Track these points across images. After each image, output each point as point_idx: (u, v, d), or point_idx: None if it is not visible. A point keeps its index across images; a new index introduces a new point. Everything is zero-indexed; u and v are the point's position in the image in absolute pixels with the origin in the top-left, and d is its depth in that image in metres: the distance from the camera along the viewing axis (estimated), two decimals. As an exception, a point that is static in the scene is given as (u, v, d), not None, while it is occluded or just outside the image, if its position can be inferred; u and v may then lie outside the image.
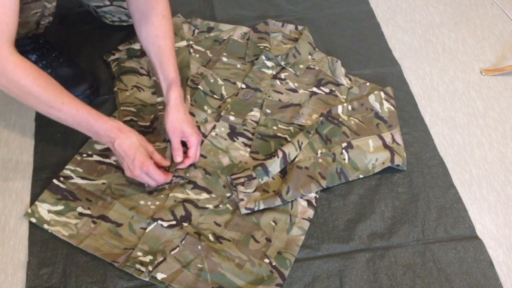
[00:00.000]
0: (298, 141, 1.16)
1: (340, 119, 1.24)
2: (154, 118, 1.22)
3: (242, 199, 1.09)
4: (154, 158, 1.07)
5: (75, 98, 1.03)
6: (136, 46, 1.36)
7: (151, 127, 1.21)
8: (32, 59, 1.24)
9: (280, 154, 1.14)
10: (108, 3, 1.33)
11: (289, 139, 1.21)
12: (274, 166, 1.13)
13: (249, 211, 1.08)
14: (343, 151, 1.18)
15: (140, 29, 1.17)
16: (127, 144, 1.03)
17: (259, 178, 1.11)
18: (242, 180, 1.10)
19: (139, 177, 1.05)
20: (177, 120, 1.11)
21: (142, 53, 1.35)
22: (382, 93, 1.30)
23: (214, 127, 1.22)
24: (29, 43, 1.22)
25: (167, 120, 1.11)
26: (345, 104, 1.26)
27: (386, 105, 1.28)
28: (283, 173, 1.15)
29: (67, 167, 1.15)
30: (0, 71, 0.95)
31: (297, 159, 1.15)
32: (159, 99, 1.26)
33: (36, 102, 0.99)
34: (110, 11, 1.36)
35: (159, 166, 1.07)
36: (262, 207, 1.08)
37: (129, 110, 1.23)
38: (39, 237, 1.06)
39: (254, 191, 1.10)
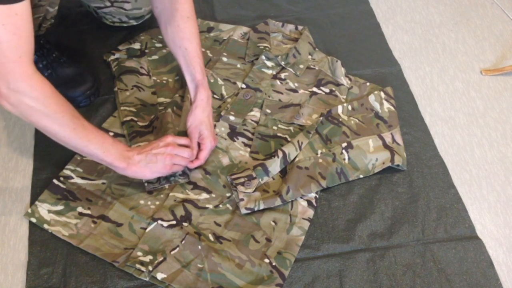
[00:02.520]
0: (298, 141, 1.16)
1: (340, 119, 1.24)
2: (154, 118, 1.22)
3: (242, 199, 1.09)
4: (178, 142, 1.09)
5: (90, 123, 1.01)
6: (136, 46, 1.37)
7: (151, 127, 1.21)
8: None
9: (280, 154, 1.14)
10: (108, 4, 1.33)
11: (289, 139, 1.21)
12: (274, 166, 1.13)
13: (249, 211, 1.08)
14: (343, 151, 1.18)
15: (166, 31, 1.18)
16: (143, 160, 1.04)
17: (259, 178, 1.11)
18: (242, 180, 1.10)
19: (176, 162, 1.07)
20: (199, 121, 1.14)
21: (142, 53, 1.35)
22: (382, 93, 1.30)
23: (214, 127, 1.22)
24: None
25: (190, 118, 1.15)
26: (345, 104, 1.26)
27: (386, 105, 1.28)
28: (283, 173, 1.15)
29: (67, 167, 1.15)
30: (25, 88, 0.91)
31: (297, 159, 1.15)
32: (159, 99, 1.26)
33: (58, 123, 0.95)
34: (111, 12, 1.36)
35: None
36: (262, 207, 1.08)
37: (129, 110, 1.23)
38: (39, 237, 1.06)
39: (254, 191, 1.10)
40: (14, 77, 0.89)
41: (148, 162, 1.04)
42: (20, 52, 0.90)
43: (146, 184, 1.10)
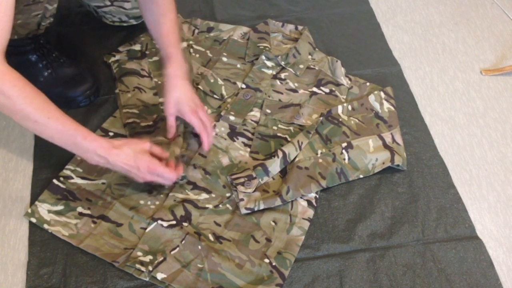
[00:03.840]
0: (298, 141, 1.16)
1: (340, 119, 1.24)
2: (159, 118, 1.21)
3: (242, 199, 1.09)
4: (153, 152, 1.04)
5: (64, 114, 0.97)
6: (137, 47, 1.36)
7: (154, 127, 1.20)
8: (32, 60, 1.24)
9: (280, 154, 1.14)
10: (108, 3, 1.33)
11: (289, 139, 1.21)
12: (274, 166, 1.13)
13: (249, 211, 1.08)
14: (343, 151, 1.18)
15: (146, 13, 1.17)
16: (123, 157, 0.99)
17: (259, 178, 1.11)
18: (242, 180, 1.10)
19: (153, 180, 1.03)
20: (172, 99, 1.10)
21: (143, 55, 1.35)
22: (382, 93, 1.30)
23: (214, 127, 1.22)
24: (29, 44, 1.22)
25: (164, 99, 1.11)
26: (345, 104, 1.26)
27: (386, 105, 1.28)
28: (283, 173, 1.15)
29: (67, 167, 1.15)
30: None
31: (297, 159, 1.15)
32: (161, 100, 1.25)
33: (21, 115, 0.94)
34: (111, 12, 1.36)
35: (166, 164, 1.06)
36: (262, 207, 1.08)
37: (131, 112, 1.23)
38: (39, 237, 1.06)
39: (254, 191, 1.10)
40: None
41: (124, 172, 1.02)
42: None
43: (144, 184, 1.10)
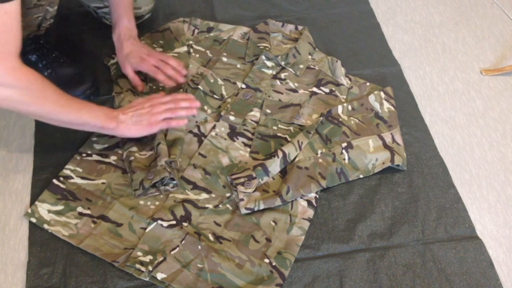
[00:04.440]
0: (298, 141, 1.16)
1: (340, 119, 1.24)
2: None
3: (242, 199, 1.08)
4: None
5: (71, 98, 1.05)
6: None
7: None
8: (32, 60, 1.24)
9: (280, 154, 1.14)
10: (107, 3, 1.33)
11: (289, 139, 1.21)
12: (274, 166, 1.13)
13: (249, 211, 1.08)
14: (343, 151, 1.18)
15: None
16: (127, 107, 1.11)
17: (259, 178, 1.11)
18: (242, 180, 1.10)
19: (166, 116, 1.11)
20: (122, 58, 1.23)
21: None
22: (382, 93, 1.30)
23: (214, 127, 1.22)
24: (29, 44, 1.22)
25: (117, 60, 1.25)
26: (345, 104, 1.26)
27: (386, 105, 1.28)
28: (283, 173, 1.15)
29: (66, 167, 1.15)
30: (10, 82, 0.94)
31: (297, 159, 1.15)
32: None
33: (44, 110, 1.01)
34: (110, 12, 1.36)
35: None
36: (262, 207, 1.08)
37: None
38: (39, 237, 1.06)
39: (254, 191, 1.10)
40: (1, 71, 0.93)
41: (134, 123, 1.09)
42: (6, 49, 0.94)
43: (133, 192, 1.10)
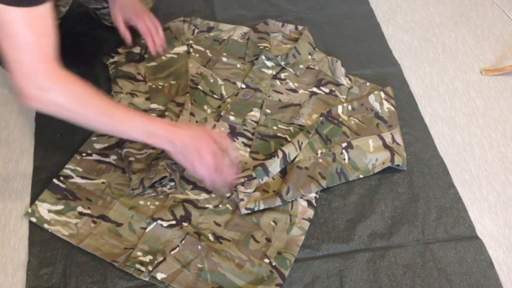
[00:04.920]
0: (298, 141, 1.16)
1: (340, 119, 1.24)
2: None
3: (242, 199, 1.08)
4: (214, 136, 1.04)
5: (119, 105, 1.05)
6: (136, 50, 1.36)
7: None
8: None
9: (280, 154, 1.14)
10: (106, 5, 1.33)
11: (289, 139, 1.21)
12: (274, 166, 1.13)
13: (249, 211, 1.08)
14: (343, 151, 1.18)
15: None
16: (184, 133, 1.00)
17: (259, 178, 1.11)
18: (242, 180, 1.10)
19: (203, 169, 1.00)
20: (116, 7, 1.23)
21: (141, 58, 1.34)
22: (382, 93, 1.30)
23: (214, 127, 1.22)
24: None
25: (110, 10, 1.22)
26: (345, 104, 1.26)
27: (386, 105, 1.28)
28: (283, 173, 1.15)
29: (67, 166, 1.15)
30: (52, 87, 0.93)
31: (297, 159, 1.15)
32: (152, 105, 1.24)
33: (88, 114, 0.96)
34: (109, 13, 1.36)
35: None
36: (262, 207, 1.08)
37: None
38: (39, 237, 1.06)
39: (254, 191, 1.10)
40: (42, 77, 0.91)
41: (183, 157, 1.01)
42: (46, 52, 0.92)
43: (131, 191, 1.10)
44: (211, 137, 1.02)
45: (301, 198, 1.12)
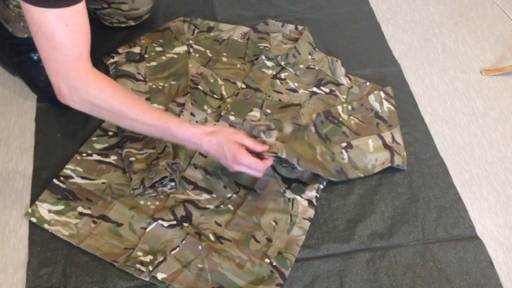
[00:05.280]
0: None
1: (340, 119, 1.24)
2: None
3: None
4: (246, 145, 1.02)
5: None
6: (136, 50, 1.36)
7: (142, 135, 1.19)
8: (34, 58, 1.24)
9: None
10: (106, 5, 1.33)
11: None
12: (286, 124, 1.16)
13: (273, 155, 1.04)
14: (343, 150, 1.17)
15: None
16: (214, 144, 1.01)
17: (277, 130, 1.08)
18: (263, 128, 1.07)
19: (241, 170, 1.02)
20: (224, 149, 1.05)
21: (141, 58, 1.34)
22: (382, 93, 1.30)
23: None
24: (33, 43, 1.22)
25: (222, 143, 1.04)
26: (345, 105, 1.26)
27: (386, 104, 1.28)
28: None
29: (67, 166, 1.14)
30: (83, 86, 0.94)
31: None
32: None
33: (119, 115, 0.99)
34: (109, 13, 1.36)
35: (258, 157, 1.03)
36: (284, 156, 1.04)
37: None
38: (39, 237, 1.06)
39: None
40: (74, 74, 0.93)
41: (215, 153, 1.03)
42: (81, 49, 0.93)
43: (131, 191, 1.10)
44: (236, 142, 1.01)
45: (301, 197, 1.12)
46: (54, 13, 0.88)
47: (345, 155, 1.17)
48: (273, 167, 1.15)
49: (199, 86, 1.29)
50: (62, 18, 0.89)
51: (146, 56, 1.35)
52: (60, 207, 1.08)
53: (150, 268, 1.00)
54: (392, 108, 1.28)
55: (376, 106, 1.28)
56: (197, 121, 1.23)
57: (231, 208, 1.10)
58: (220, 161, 1.04)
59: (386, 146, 1.20)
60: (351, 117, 1.25)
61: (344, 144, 1.18)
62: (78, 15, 0.91)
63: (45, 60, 0.94)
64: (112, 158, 1.16)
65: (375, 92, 1.30)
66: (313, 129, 1.19)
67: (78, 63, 0.94)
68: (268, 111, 1.26)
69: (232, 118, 1.24)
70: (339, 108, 1.25)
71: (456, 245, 1.09)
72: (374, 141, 1.20)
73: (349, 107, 1.26)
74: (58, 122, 1.25)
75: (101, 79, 0.97)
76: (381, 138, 1.21)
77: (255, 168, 1.02)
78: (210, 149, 1.02)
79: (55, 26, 0.89)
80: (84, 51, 0.95)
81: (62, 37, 0.91)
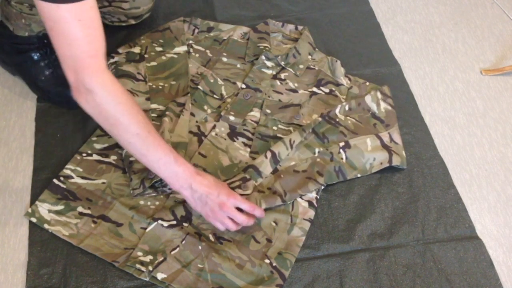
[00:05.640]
0: (290, 140, 1.16)
1: (337, 119, 1.23)
2: None
3: None
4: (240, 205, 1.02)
5: (157, 132, 0.99)
6: (136, 50, 1.36)
7: None
8: (34, 58, 1.24)
9: (269, 154, 1.14)
10: (106, 4, 1.33)
11: (289, 139, 1.21)
12: (265, 166, 1.13)
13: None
14: (341, 150, 1.18)
15: None
16: (206, 183, 1.00)
17: (253, 179, 1.11)
18: (237, 183, 1.10)
19: (219, 219, 1.00)
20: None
21: (141, 58, 1.34)
22: (378, 93, 1.30)
23: (214, 127, 1.22)
24: (34, 42, 1.23)
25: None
26: (343, 104, 1.26)
27: (383, 105, 1.28)
28: (275, 172, 1.15)
29: (67, 166, 1.14)
30: (98, 84, 0.92)
31: (293, 163, 1.15)
32: (152, 105, 1.24)
33: (124, 127, 0.96)
34: (109, 12, 1.36)
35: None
36: (264, 206, 1.08)
37: None
38: (39, 237, 1.06)
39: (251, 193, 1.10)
40: (89, 72, 0.91)
41: (200, 204, 1.01)
42: (96, 46, 0.92)
43: (131, 191, 1.10)
44: (231, 202, 1.01)
45: (301, 198, 1.12)
46: (66, 8, 0.87)
47: (343, 155, 1.17)
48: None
49: (199, 86, 1.29)
50: (75, 13, 0.88)
51: (146, 56, 1.35)
52: (60, 207, 1.08)
53: (150, 268, 1.00)
54: (389, 108, 1.28)
55: (373, 107, 1.28)
56: (197, 121, 1.23)
57: (231, 208, 1.10)
58: (205, 202, 1.00)
59: (384, 146, 1.20)
60: (348, 117, 1.25)
61: (342, 144, 1.18)
62: (90, 10, 0.90)
63: (61, 57, 0.93)
64: (112, 158, 1.16)
65: (372, 92, 1.30)
66: (310, 129, 1.20)
67: (95, 61, 0.92)
68: (268, 111, 1.26)
69: (232, 118, 1.24)
70: (336, 108, 1.25)
71: (456, 245, 1.09)
72: (372, 141, 1.20)
73: (347, 107, 1.26)
74: (58, 122, 1.25)
75: (117, 84, 0.95)
76: (379, 138, 1.21)
77: (239, 219, 1.00)
78: (202, 184, 0.99)
79: (69, 21, 0.88)
80: (100, 49, 0.93)
81: (77, 33, 0.90)
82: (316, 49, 1.41)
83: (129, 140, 0.97)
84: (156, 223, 1.06)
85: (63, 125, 1.24)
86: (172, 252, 1.02)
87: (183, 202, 1.09)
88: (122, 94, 0.96)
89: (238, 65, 1.36)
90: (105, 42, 0.95)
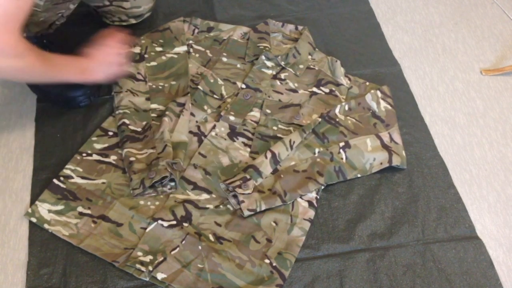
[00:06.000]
0: (290, 140, 1.16)
1: (337, 119, 1.23)
2: (147, 126, 1.20)
3: (242, 201, 1.08)
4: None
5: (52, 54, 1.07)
6: (136, 50, 1.36)
7: (143, 134, 1.19)
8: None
9: (269, 154, 1.14)
10: (107, 3, 1.33)
11: (289, 139, 1.21)
12: (265, 166, 1.13)
13: (252, 213, 1.08)
14: (341, 150, 1.18)
15: None
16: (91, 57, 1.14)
17: (254, 179, 1.11)
18: (238, 183, 1.10)
19: (110, 57, 1.16)
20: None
21: (141, 58, 1.34)
22: (378, 92, 1.30)
23: (214, 127, 1.22)
24: (33, 42, 1.22)
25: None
26: (343, 104, 1.26)
27: (383, 104, 1.28)
28: (275, 172, 1.15)
29: (67, 166, 1.15)
30: (13, 50, 0.95)
31: (293, 163, 1.15)
32: (152, 105, 1.24)
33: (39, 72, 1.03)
34: (110, 11, 1.36)
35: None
36: (264, 207, 1.08)
37: (123, 112, 1.22)
38: (39, 237, 1.06)
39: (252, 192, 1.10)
40: (9, 45, 0.93)
41: (103, 70, 1.15)
42: (18, 21, 0.93)
43: (131, 191, 1.10)
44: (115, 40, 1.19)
45: (301, 198, 1.12)
46: None
47: (343, 155, 1.17)
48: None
49: (199, 86, 1.29)
50: None
51: (146, 56, 1.35)
52: (60, 207, 1.08)
53: (150, 268, 1.00)
54: (389, 107, 1.28)
55: (373, 105, 1.28)
56: (197, 121, 1.23)
57: (231, 208, 1.10)
58: (106, 76, 1.15)
59: (384, 146, 1.20)
60: (348, 117, 1.25)
61: (342, 144, 1.18)
62: None
63: None
64: (112, 158, 1.16)
65: (372, 91, 1.30)
66: (310, 130, 1.20)
67: (11, 33, 0.93)
68: (268, 111, 1.26)
69: (232, 118, 1.24)
70: (336, 108, 1.25)
71: (456, 245, 1.09)
72: (372, 141, 1.20)
73: (347, 107, 1.26)
74: (58, 122, 1.25)
75: (27, 44, 0.98)
76: (379, 138, 1.21)
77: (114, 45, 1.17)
78: (95, 69, 1.14)
79: None
80: (19, 23, 0.94)
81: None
82: (316, 49, 1.42)
83: (40, 78, 1.08)
84: (156, 223, 1.06)
85: (63, 125, 1.24)
86: (172, 252, 1.02)
87: (183, 202, 1.09)
88: (27, 48, 0.99)
89: (238, 65, 1.36)
90: (25, 17, 0.96)
